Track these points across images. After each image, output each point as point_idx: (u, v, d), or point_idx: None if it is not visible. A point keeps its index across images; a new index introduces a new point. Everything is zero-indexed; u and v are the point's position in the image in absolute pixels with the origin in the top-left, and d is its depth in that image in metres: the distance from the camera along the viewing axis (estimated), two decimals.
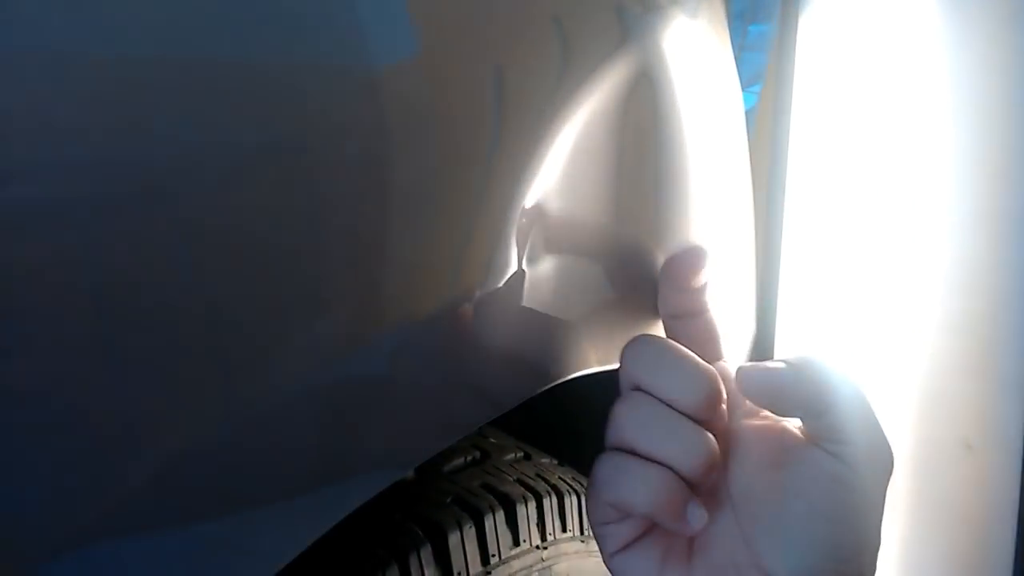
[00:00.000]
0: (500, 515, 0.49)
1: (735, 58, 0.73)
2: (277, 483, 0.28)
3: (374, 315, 0.29)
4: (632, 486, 0.35)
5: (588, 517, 0.39)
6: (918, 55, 0.99)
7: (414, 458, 0.31)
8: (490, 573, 0.47)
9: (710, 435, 0.36)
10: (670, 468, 0.35)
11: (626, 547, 0.38)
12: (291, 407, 0.27)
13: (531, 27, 0.36)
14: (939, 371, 0.93)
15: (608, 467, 0.36)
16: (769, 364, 0.37)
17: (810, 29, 1.12)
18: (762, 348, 0.83)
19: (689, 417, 0.36)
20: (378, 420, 0.30)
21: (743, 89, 0.83)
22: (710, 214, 0.55)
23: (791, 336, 1.07)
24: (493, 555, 0.47)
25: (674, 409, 0.36)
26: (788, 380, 0.36)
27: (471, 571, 0.45)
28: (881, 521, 0.37)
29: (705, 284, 0.41)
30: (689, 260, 0.41)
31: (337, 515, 0.28)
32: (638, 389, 0.37)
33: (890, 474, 0.38)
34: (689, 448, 0.36)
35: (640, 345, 0.38)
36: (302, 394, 0.27)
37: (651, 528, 0.38)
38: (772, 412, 0.38)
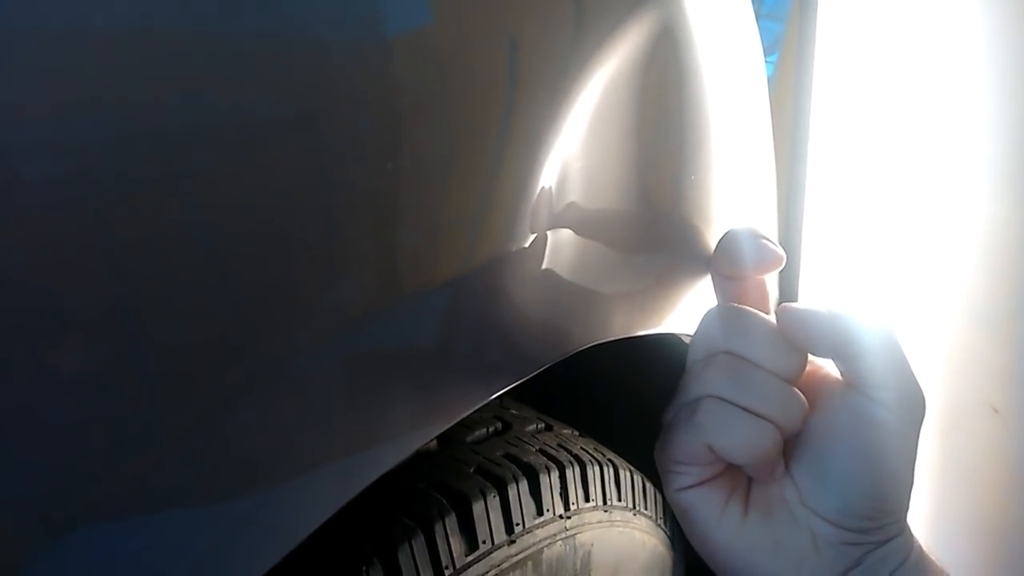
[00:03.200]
0: (523, 484, 0.49)
1: None
2: (305, 450, 0.28)
3: (398, 281, 0.29)
4: (742, 436, 0.38)
5: (664, 454, 0.41)
6: (943, 28, 0.97)
7: (438, 424, 0.31)
8: (515, 542, 0.47)
9: (801, 394, 0.40)
10: (773, 424, 0.38)
11: (699, 484, 0.41)
12: (317, 373, 0.27)
13: None
14: (965, 336, 0.92)
15: (714, 415, 0.38)
16: (808, 306, 0.40)
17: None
18: None
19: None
20: (405, 384, 0.29)
21: None
22: (733, 184, 0.54)
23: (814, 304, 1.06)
24: (517, 524, 0.47)
25: (768, 371, 0.39)
26: (824, 322, 0.39)
27: (495, 540, 0.45)
28: (915, 462, 0.40)
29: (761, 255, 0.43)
30: (748, 236, 0.43)
31: (365, 480, 0.28)
32: (729, 353, 0.39)
33: (923, 418, 0.40)
34: (789, 407, 0.39)
35: (730, 313, 0.41)
36: (328, 360, 0.27)
37: (724, 469, 0.41)
38: (809, 352, 0.40)
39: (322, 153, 0.27)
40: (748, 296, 0.43)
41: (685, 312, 0.50)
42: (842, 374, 0.40)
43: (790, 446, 0.41)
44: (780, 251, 0.42)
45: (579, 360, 0.40)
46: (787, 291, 0.99)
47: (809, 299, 1.04)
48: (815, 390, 0.41)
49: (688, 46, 0.43)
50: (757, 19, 0.68)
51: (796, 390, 0.40)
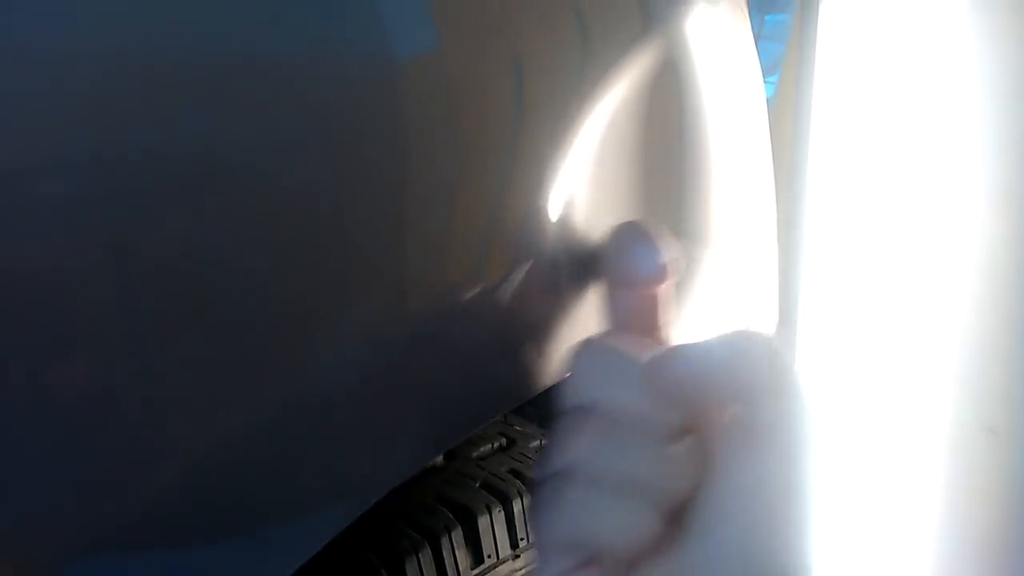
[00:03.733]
0: (527, 500, 0.50)
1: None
2: (314, 466, 0.29)
3: (407, 299, 0.30)
4: (609, 524, 0.29)
5: (532, 536, 0.34)
6: (942, 46, 0.98)
7: (448, 441, 0.31)
8: (519, 556, 0.48)
9: (691, 449, 0.30)
10: (651, 500, 0.29)
11: (571, 571, 0.30)
12: (325, 390, 0.28)
13: (551, 17, 0.36)
14: (965, 357, 0.92)
15: (575, 499, 0.29)
16: (692, 347, 0.29)
17: (830, 18, 1.11)
18: (784, 335, 0.83)
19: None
20: (415, 401, 0.30)
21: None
22: (733, 204, 0.55)
23: (813, 328, 1.07)
24: (521, 538, 0.48)
25: (644, 430, 0.29)
26: (714, 365, 0.29)
27: (500, 554, 0.46)
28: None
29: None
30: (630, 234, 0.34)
31: (373, 496, 0.29)
32: (594, 407, 0.30)
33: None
34: (670, 476, 0.30)
35: (595, 352, 0.32)
36: (336, 378, 0.28)
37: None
38: (698, 404, 0.30)
39: (330, 177, 0.28)
40: (638, 316, 0.33)
41: (693, 331, 0.51)
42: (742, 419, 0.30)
43: (682, 512, 0.30)
44: (663, 260, 0.32)
45: None
46: (786, 308, 1.00)
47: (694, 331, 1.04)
48: (715, 440, 0.30)
49: (690, 73, 0.44)
50: (757, 40, 0.69)
51: (683, 447, 0.30)
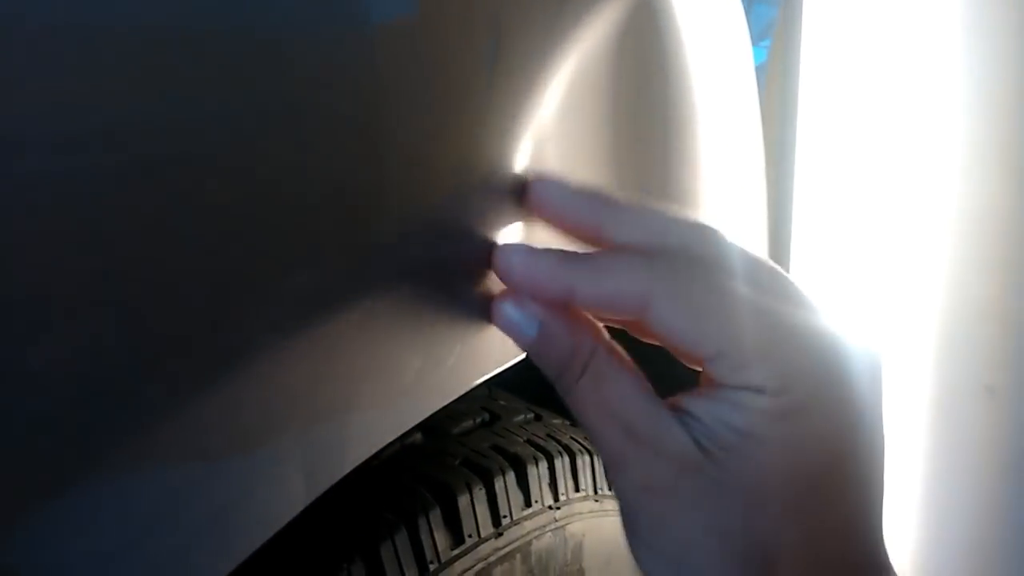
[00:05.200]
0: (511, 476, 0.48)
1: (746, 12, 0.71)
2: (268, 444, 0.27)
3: (370, 267, 0.28)
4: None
5: None
6: (931, 13, 0.96)
7: (412, 418, 0.29)
8: (502, 534, 0.46)
9: None
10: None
11: None
12: (278, 362, 0.26)
13: None
14: (960, 315, 0.91)
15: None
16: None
17: None
18: None
19: None
20: (375, 377, 0.28)
21: (754, 44, 0.80)
22: (720, 163, 0.53)
23: (807, 287, 1.06)
24: (504, 516, 0.46)
25: None
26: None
27: (482, 532, 0.45)
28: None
29: None
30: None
31: (331, 478, 0.27)
32: None
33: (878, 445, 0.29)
34: None
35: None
36: (289, 349, 0.26)
37: None
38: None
39: (297, 144, 0.26)
40: None
41: None
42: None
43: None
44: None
45: None
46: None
47: None
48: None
49: (668, 25, 0.42)
50: (751, 3, 0.67)
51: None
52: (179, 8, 0.24)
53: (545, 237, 0.33)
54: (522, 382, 0.66)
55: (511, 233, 0.33)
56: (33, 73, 0.21)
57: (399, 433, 0.29)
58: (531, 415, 0.63)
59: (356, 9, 0.28)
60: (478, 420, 0.56)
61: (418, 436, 0.50)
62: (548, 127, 0.35)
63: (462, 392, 0.31)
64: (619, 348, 0.31)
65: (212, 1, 0.24)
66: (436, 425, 0.52)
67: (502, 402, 0.64)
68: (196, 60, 0.24)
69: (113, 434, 0.24)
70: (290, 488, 0.26)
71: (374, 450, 0.28)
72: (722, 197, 0.54)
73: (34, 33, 0.21)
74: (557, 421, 0.64)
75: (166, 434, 0.25)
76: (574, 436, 0.61)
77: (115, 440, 0.24)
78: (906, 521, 0.96)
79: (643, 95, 0.42)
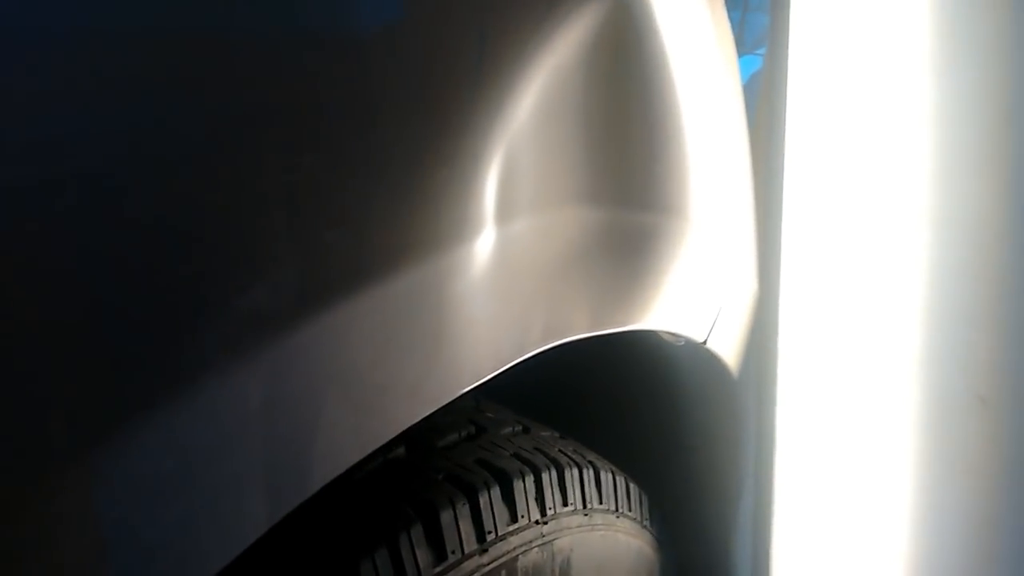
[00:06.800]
0: (495, 491, 0.48)
1: (740, 21, 0.71)
2: (227, 465, 0.26)
3: (338, 280, 0.27)
4: None
5: None
6: (919, 20, 0.96)
7: (380, 436, 0.29)
8: (487, 550, 0.45)
9: None
10: None
11: None
12: (231, 381, 0.25)
13: None
14: (951, 324, 0.90)
15: None
16: None
17: None
18: (767, 306, 0.81)
19: None
20: (341, 393, 0.28)
21: (749, 52, 0.80)
22: (708, 164, 0.52)
23: (796, 298, 1.05)
24: (489, 532, 0.45)
25: None
26: None
27: (466, 549, 0.44)
28: None
29: None
30: None
31: (295, 499, 0.26)
32: None
33: None
34: None
35: None
36: (245, 369, 0.25)
37: None
38: None
39: (276, 146, 0.26)
40: None
41: (664, 308, 0.49)
42: None
43: None
44: None
45: (569, 360, 0.38)
46: (767, 279, 0.98)
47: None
48: None
49: (647, 30, 0.41)
50: (745, 12, 0.67)
51: None
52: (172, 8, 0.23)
53: (521, 235, 0.32)
54: (513, 393, 0.65)
55: (489, 234, 0.32)
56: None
57: (369, 451, 0.28)
58: (519, 427, 0.62)
59: (345, 20, 0.28)
60: (464, 433, 0.56)
61: (401, 450, 0.49)
62: (528, 138, 0.34)
63: (438, 406, 0.30)
64: None
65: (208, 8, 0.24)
66: (420, 438, 0.51)
67: (490, 414, 0.63)
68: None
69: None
70: (254, 506, 0.25)
71: (343, 468, 0.27)
72: (706, 201, 0.54)
73: None
74: (547, 433, 0.63)
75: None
76: (562, 449, 0.60)
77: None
78: (898, 533, 0.95)
79: (624, 101, 0.41)
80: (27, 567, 0.21)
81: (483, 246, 0.31)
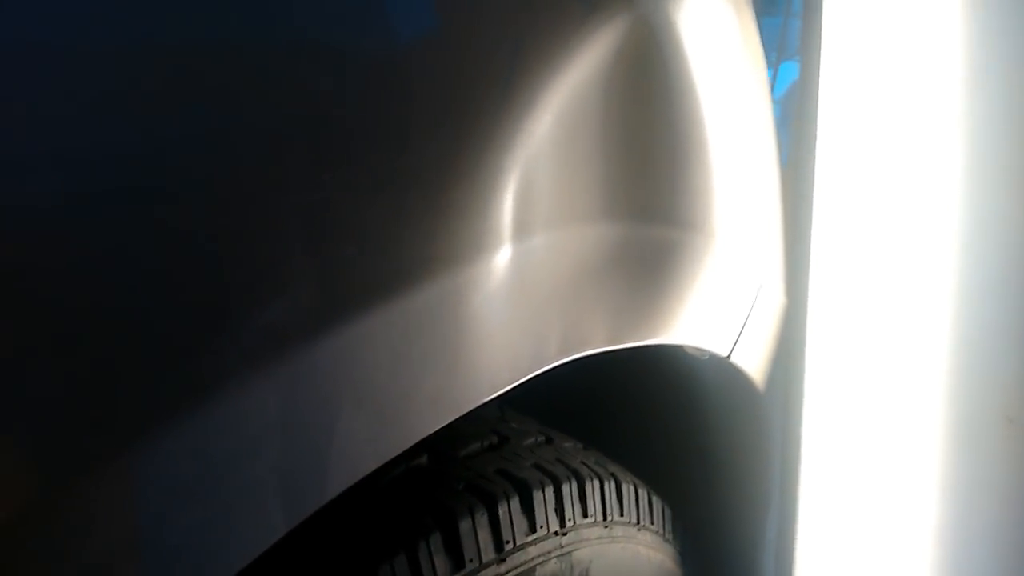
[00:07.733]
0: (515, 501, 0.48)
1: (782, 26, 0.70)
2: (245, 471, 0.27)
3: (361, 293, 0.28)
4: None
5: None
6: (953, 31, 0.95)
7: (398, 444, 0.29)
8: (504, 560, 0.46)
9: None
10: None
11: None
12: (250, 391, 0.26)
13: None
14: (980, 344, 0.89)
15: None
16: None
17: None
18: (794, 320, 0.80)
19: None
20: (361, 403, 0.28)
21: (790, 59, 0.80)
22: (734, 178, 0.52)
23: (826, 314, 1.04)
24: (507, 541, 0.46)
25: None
26: None
27: (484, 558, 0.44)
28: None
29: None
30: None
31: (309, 506, 0.27)
32: None
33: None
34: None
35: None
36: (269, 378, 0.26)
37: None
38: None
39: (298, 160, 0.26)
40: None
41: (686, 323, 0.49)
42: None
43: None
44: None
45: (597, 372, 0.38)
46: (795, 292, 0.97)
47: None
48: None
49: (671, 43, 0.42)
50: (787, 19, 0.67)
51: None
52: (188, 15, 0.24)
53: (541, 249, 0.33)
54: (541, 403, 0.66)
55: (509, 248, 0.33)
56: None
57: (387, 459, 0.29)
58: (542, 438, 0.62)
59: (369, 37, 0.28)
60: (486, 443, 0.56)
61: (423, 459, 0.50)
62: (549, 148, 0.35)
63: (454, 417, 0.31)
64: None
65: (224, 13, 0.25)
66: (443, 448, 0.52)
67: (513, 424, 0.63)
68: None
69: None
70: (274, 510, 0.26)
71: (361, 476, 0.28)
72: (731, 214, 0.54)
73: None
74: (569, 444, 0.64)
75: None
76: (584, 460, 0.60)
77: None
78: (923, 550, 0.94)
79: (647, 116, 0.42)
80: (56, 567, 0.22)
81: (502, 259, 0.32)
